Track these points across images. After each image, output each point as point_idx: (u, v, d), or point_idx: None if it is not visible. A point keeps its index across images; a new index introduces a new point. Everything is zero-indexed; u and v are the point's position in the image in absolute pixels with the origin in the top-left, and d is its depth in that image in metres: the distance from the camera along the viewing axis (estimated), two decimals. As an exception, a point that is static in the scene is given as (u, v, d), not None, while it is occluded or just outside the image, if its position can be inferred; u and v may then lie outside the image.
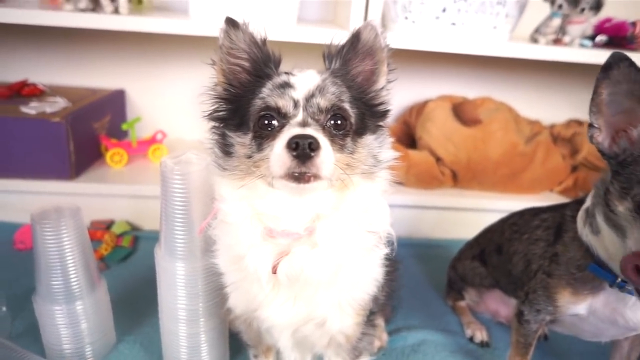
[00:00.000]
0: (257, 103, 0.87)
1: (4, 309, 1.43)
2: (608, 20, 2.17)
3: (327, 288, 0.96)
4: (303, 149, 0.77)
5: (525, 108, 2.47)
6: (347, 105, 0.89)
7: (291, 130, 0.81)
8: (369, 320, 1.12)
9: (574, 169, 2.35)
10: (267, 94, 0.87)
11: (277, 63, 0.94)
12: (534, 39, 2.16)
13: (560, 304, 1.13)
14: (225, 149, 0.92)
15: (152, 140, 2.30)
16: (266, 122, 0.86)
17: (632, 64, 0.89)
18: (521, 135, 2.28)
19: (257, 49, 0.92)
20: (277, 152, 0.80)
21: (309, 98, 0.86)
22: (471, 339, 1.55)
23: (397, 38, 1.92)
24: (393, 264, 1.16)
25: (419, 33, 1.96)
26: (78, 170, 2.03)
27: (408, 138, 2.40)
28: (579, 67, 2.14)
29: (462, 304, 1.67)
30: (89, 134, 2.14)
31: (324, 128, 0.86)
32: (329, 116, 0.87)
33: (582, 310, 1.11)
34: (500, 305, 1.57)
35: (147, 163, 2.27)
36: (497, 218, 1.57)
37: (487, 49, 1.98)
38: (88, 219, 2.01)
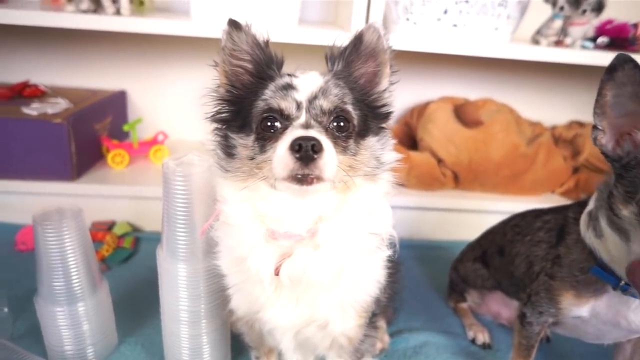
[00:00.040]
0: (260, 105, 0.87)
1: (6, 310, 1.43)
2: (609, 21, 2.16)
3: (330, 290, 0.96)
4: (306, 151, 0.77)
5: (526, 109, 2.46)
6: (349, 107, 0.89)
7: (294, 132, 0.81)
8: (371, 322, 1.12)
9: (576, 170, 2.35)
10: (270, 96, 0.87)
11: (280, 65, 0.94)
12: (535, 41, 2.16)
13: (563, 306, 1.12)
14: (228, 150, 0.92)
15: (154, 142, 2.30)
16: (269, 123, 0.86)
17: (636, 65, 0.89)
18: (522, 137, 2.28)
19: (260, 50, 0.92)
20: (280, 154, 0.80)
21: (312, 100, 0.86)
22: (473, 341, 1.54)
23: (398, 39, 1.92)
24: (395, 266, 1.16)
25: (420, 34, 1.96)
26: (79, 171, 2.03)
27: (409, 139, 2.40)
28: (581, 68, 2.14)
29: (463, 305, 1.66)
30: (91, 135, 2.14)
31: (326, 130, 0.86)
32: (332, 118, 0.87)
33: (585, 312, 1.11)
34: (502, 307, 1.57)
35: (148, 164, 2.27)
36: (499, 219, 1.56)
37: (488, 51, 1.98)
38: (89, 220, 2.01)
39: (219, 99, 0.94)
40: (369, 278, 1.01)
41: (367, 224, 0.94)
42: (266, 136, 0.86)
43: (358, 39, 0.92)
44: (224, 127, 0.94)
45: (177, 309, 1.21)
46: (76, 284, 1.23)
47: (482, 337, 1.54)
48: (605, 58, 2.00)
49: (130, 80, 2.43)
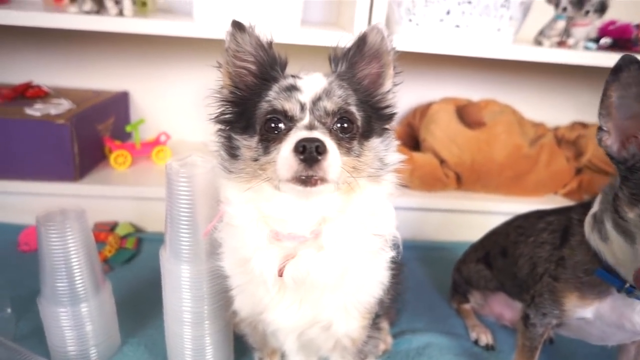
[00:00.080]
0: (264, 106, 0.87)
1: (9, 310, 1.43)
2: (612, 22, 2.16)
3: (333, 291, 0.96)
4: (310, 153, 0.77)
5: (529, 110, 2.46)
6: (353, 109, 0.88)
7: (298, 134, 0.81)
8: (374, 323, 1.12)
9: (578, 171, 2.34)
10: (274, 97, 0.87)
11: (284, 66, 0.94)
12: (538, 42, 2.15)
13: (567, 307, 1.12)
14: (231, 151, 0.92)
15: (156, 142, 2.30)
16: (273, 125, 0.86)
17: None
18: (525, 138, 2.28)
19: (264, 51, 0.92)
20: (284, 156, 0.80)
21: (316, 101, 0.86)
22: (476, 342, 1.54)
23: (401, 40, 1.92)
24: (398, 267, 1.16)
25: (422, 35, 1.96)
26: (82, 172, 2.04)
27: (412, 140, 2.40)
28: (583, 69, 2.14)
29: (466, 306, 1.66)
30: (93, 136, 2.14)
31: (330, 131, 0.86)
32: (336, 119, 0.87)
33: (589, 314, 1.11)
34: (505, 308, 1.57)
35: (150, 165, 2.27)
36: (502, 220, 1.56)
37: (491, 52, 1.97)
38: (92, 221, 2.01)
39: (223, 100, 0.94)
40: (373, 279, 1.01)
41: (371, 225, 0.94)
42: (270, 137, 0.86)
43: (362, 40, 0.92)
44: (227, 128, 0.94)
45: (180, 310, 1.21)
46: (79, 285, 1.23)
47: (485, 338, 1.54)
48: (608, 59, 2.00)
49: (132, 81, 2.44)
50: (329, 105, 0.86)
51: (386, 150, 0.94)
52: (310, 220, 0.89)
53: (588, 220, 1.09)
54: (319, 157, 0.77)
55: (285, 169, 0.80)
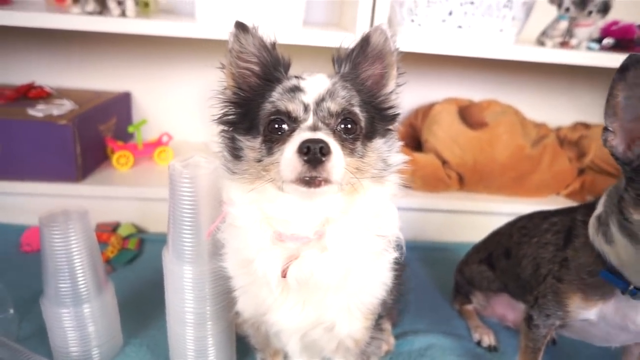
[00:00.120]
0: (267, 107, 0.87)
1: (11, 311, 1.43)
2: (615, 23, 2.16)
3: (337, 292, 0.96)
4: (314, 154, 0.77)
5: (531, 111, 2.46)
6: (357, 109, 0.88)
7: (302, 135, 0.81)
8: (377, 324, 1.11)
9: (581, 172, 2.34)
10: (277, 98, 0.87)
11: (287, 67, 0.94)
12: (540, 42, 2.15)
13: (571, 309, 1.12)
14: (235, 152, 0.92)
15: (158, 143, 2.30)
16: (276, 126, 0.86)
17: None
18: (527, 138, 2.27)
19: (267, 52, 0.92)
20: (288, 157, 0.79)
21: (320, 102, 0.86)
22: (478, 344, 1.54)
23: (403, 41, 1.92)
24: (400, 268, 1.15)
25: (425, 36, 1.96)
26: (84, 172, 2.04)
27: (414, 141, 2.40)
28: (586, 70, 2.14)
29: (469, 307, 1.66)
30: (95, 137, 2.14)
31: (334, 132, 0.86)
32: (339, 120, 0.87)
33: (593, 315, 1.10)
34: (508, 309, 1.56)
35: (152, 165, 2.27)
36: (504, 221, 1.56)
37: (493, 52, 1.97)
38: (94, 222, 2.01)
39: (226, 101, 0.94)
40: (376, 280, 1.01)
41: (374, 226, 0.93)
42: (273, 138, 0.86)
43: (365, 41, 0.92)
44: (230, 129, 0.94)
45: (182, 311, 1.21)
46: (82, 286, 1.23)
47: (488, 339, 1.53)
48: (610, 59, 2.00)
49: (134, 81, 2.44)
50: (332, 106, 0.86)
51: (389, 151, 0.94)
52: (314, 221, 0.89)
53: (592, 222, 1.09)
54: (323, 158, 0.77)
55: (289, 170, 0.79)
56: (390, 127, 0.96)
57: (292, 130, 0.85)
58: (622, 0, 2.19)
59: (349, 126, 0.87)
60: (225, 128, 0.95)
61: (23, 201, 1.99)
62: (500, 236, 1.53)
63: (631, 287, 1.00)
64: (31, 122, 1.89)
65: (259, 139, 0.88)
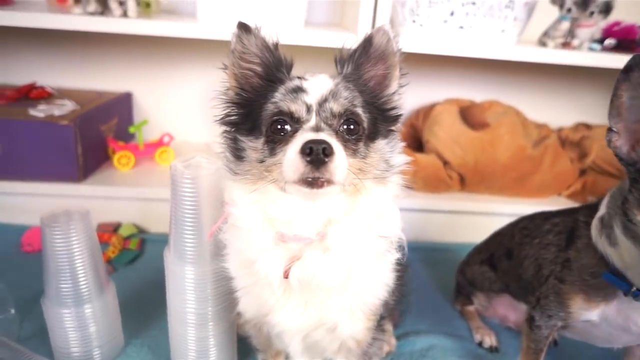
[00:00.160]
0: (270, 108, 0.87)
1: (12, 311, 1.43)
2: (617, 23, 2.16)
3: (339, 293, 0.96)
4: (317, 155, 0.76)
5: (532, 111, 2.45)
6: (359, 110, 0.88)
7: (304, 135, 0.81)
8: (379, 325, 1.11)
9: (582, 172, 2.33)
10: (280, 99, 0.87)
11: (289, 67, 0.94)
12: (542, 43, 2.15)
13: (573, 310, 1.12)
14: (237, 153, 0.92)
15: (159, 143, 2.30)
16: (279, 126, 0.86)
17: None
18: (529, 139, 2.27)
19: (269, 53, 0.92)
20: (291, 157, 0.79)
21: (322, 103, 0.86)
22: (480, 344, 1.53)
23: (404, 41, 1.91)
24: (402, 268, 1.15)
25: (426, 36, 1.96)
26: (85, 172, 2.04)
27: (415, 141, 2.40)
28: (588, 70, 2.13)
29: (470, 308, 1.65)
30: (97, 137, 2.14)
31: (336, 133, 0.86)
32: (342, 121, 0.86)
33: (595, 317, 1.10)
34: (510, 310, 1.56)
35: (154, 166, 2.27)
36: (505, 222, 1.56)
37: (495, 53, 1.97)
38: (95, 222, 2.01)
39: (228, 102, 0.94)
40: (378, 281, 1.01)
41: (377, 227, 0.93)
42: (276, 139, 0.86)
43: (368, 42, 0.92)
44: (233, 129, 0.94)
45: (184, 311, 1.21)
46: (83, 286, 1.23)
47: (489, 340, 1.53)
48: (612, 60, 1.99)
49: (136, 82, 2.44)
50: (335, 107, 0.85)
51: (392, 151, 0.94)
52: (316, 222, 0.89)
53: (595, 224, 1.09)
54: (326, 159, 0.77)
55: (291, 171, 0.79)
56: (393, 128, 0.96)
57: (294, 131, 0.84)
58: (624, 0, 2.18)
59: (352, 127, 0.87)
60: (228, 129, 0.95)
61: (24, 201, 1.99)
62: (501, 237, 1.53)
63: (634, 288, 1.00)
64: (32, 123, 1.89)
65: (262, 140, 0.88)
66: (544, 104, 2.56)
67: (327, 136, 0.81)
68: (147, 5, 2.14)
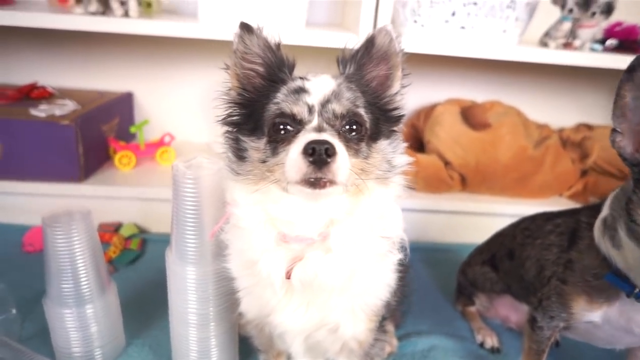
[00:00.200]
0: (272, 108, 0.87)
1: (14, 311, 1.43)
2: (618, 24, 2.16)
3: (341, 293, 0.96)
4: (319, 155, 0.76)
5: (534, 112, 2.45)
6: (362, 111, 0.88)
7: (307, 136, 0.80)
8: (381, 325, 1.11)
9: (584, 173, 2.33)
10: (282, 99, 0.87)
11: (291, 68, 0.93)
12: (543, 43, 2.15)
13: (575, 311, 1.11)
14: (239, 153, 0.92)
15: (160, 143, 2.30)
16: (281, 127, 0.86)
17: None
18: (530, 140, 2.27)
19: (272, 53, 0.92)
20: (293, 158, 0.79)
21: (324, 103, 0.85)
22: (482, 345, 1.53)
23: (406, 42, 1.90)
24: (404, 269, 1.15)
25: (428, 37, 1.96)
26: (87, 172, 2.04)
27: (416, 142, 2.40)
28: (589, 71, 2.13)
29: (472, 309, 1.65)
30: (98, 137, 2.14)
31: (339, 133, 0.85)
32: (344, 122, 0.86)
33: (597, 318, 1.10)
34: (511, 311, 1.56)
35: (155, 166, 2.27)
36: (506, 222, 1.55)
37: (496, 53, 1.97)
38: (96, 222, 2.01)
39: (230, 102, 0.94)
40: (380, 282, 1.00)
41: (379, 228, 0.93)
42: (278, 139, 0.86)
43: (370, 42, 0.92)
44: (235, 130, 0.94)
45: (185, 312, 1.20)
46: (85, 286, 1.23)
47: (491, 341, 1.53)
48: (614, 61, 1.99)
49: (137, 81, 2.44)
50: (337, 107, 0.85)
51: (394, 152, 0.94)
52: (318, 223, 0.89)
53: (598, 225, 1.08)
54: (328, 160, 0.77)
55: (294, 171, 0.79)
56: (395, 128, 0.96)
57: (297, 131, 0.84)
58: (626, 1, 2.18)
59: (354, 127, 0.87)
60: (230, 129, 0.95)
61: (25, 201, 1.99)
62: (503, 237, 1.53)
63: (637, 290, 0.99)
64: (34, 122, 1.89)
65: (264, 140, 0.88)
66: (545, 105, 2.56)
67: (329, 136, 0.81)
68: (149, 5, 2.14)
